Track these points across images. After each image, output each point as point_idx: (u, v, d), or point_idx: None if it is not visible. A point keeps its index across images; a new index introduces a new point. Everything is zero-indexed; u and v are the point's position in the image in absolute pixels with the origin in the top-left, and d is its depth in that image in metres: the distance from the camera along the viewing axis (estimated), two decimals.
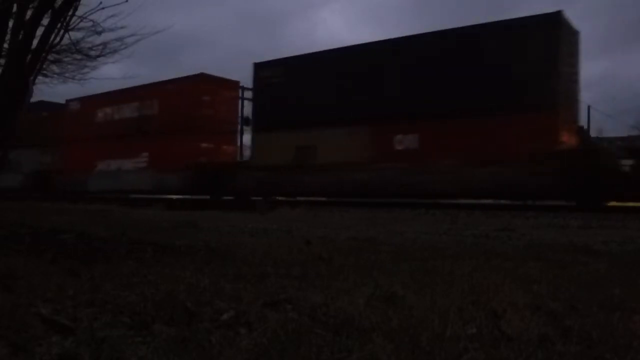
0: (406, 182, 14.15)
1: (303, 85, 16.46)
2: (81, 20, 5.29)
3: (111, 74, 18.58)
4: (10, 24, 4.54)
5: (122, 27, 6.89)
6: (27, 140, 24.06)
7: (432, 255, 3.84)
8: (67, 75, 9.05)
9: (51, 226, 5.56)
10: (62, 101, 25.37)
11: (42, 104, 23.49)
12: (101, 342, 1.60)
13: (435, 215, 10.60)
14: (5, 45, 4.74)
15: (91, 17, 5.28)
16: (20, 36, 4.38)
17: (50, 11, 4.48)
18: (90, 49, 7.68)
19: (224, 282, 2.56)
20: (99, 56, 7.83)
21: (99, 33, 6.40)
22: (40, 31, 4.55)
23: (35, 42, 4.53)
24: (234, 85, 20.25)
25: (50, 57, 6.92)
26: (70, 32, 5.30)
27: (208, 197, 17.67)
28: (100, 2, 5.12)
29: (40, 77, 7.06)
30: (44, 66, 6.73)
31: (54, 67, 8.75)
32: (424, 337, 1.69)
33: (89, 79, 9.01)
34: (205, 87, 19.58)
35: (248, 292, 2.32)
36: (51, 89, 10.21)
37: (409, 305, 2.12)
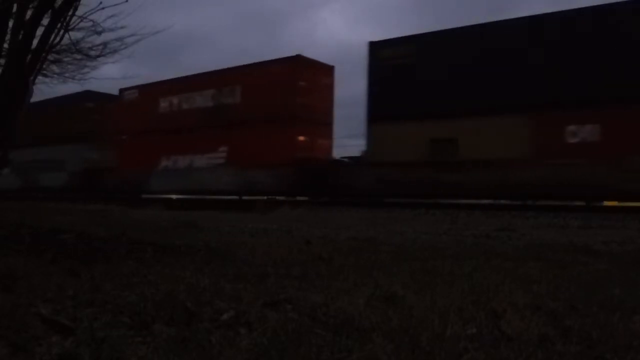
0: (588, 182, 11.69)
1: (439, 66, 13.70)
2: (81, 20, 5.29)
3: (111, 74, 18.62)
4: (11, 23, 4.54)
5: (122, 27, 6.89)
6: (69, 134, 22.35)
7: (432, 255, 3.84)
8: (67, 75, 9.04)
9: (51, 226, 5.56)
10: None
11: (88, 94, 21.67)
12: (101, 342, 1.59)
13: (435, 215, 10.61)
14: (5, 45, 4.74)
15: (91, 17, 5.28)
16: (20, 36, 4.38)
17: (50, 11, 4.48)
18: (90, 49, 7.68)
19: (224, 282, 2.56)
20: (99, 56, 7.82)
21: (99, 33, 6.39)
22: (40, 31, 4.55)
23: (35, 42, 4.53)
24: (329, 70, 17.69)
25: (50, 57, 6.92)
26: (70, 32, 5.30)
27: (307, 198, 15.99)
28: (100, 2, 5.12)
29: (40, 77, 7.06)
30: (44, 66, 6.72)
31: (54, 67, 8.74)
32: (424, 337, 1.69)
33: (89, 79, 9.01)
34: (302, 71, 16.77)
35: (248, 292, 2.32)
36: (51, 89, 10.19)
37: (409, 305, 2.12)
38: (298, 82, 16.63)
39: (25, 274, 2.59)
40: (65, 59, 8.42)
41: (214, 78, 18.47)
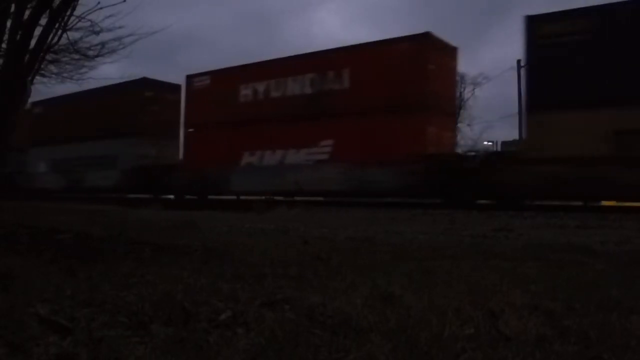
0: None
1: (631, 43, 11.15)
2: (79, 20, 5.30)
3: (109, 74, 18.49)
4: (8, 23, 4.53)
5: (120, 27, 6.90)
6: (123, 127, 19.84)
7: (430, 255, 3.84)
8: (65, 75, 9.07)
9: (50, 226, 5.55)
10: None
11: (145, 82, 19.78)
12: (99, 342, 1.59)
13: (433, 215, 10.61)
14: (3, 45, 4.73)
15: (89, 17, 5.30)
16: (18, 36, 4.37)
17: (48, 11, 4.48)
18: (88, 48, 7.69)
19: (222, 282, 2.56)
20: (97, 56, 7.84)
21: (97, 33, 6.41)
22: (38, 31, 4.54)
23: (33, 42, 4.52)
24: (454, 52, 15.29)
25: (48, 57, 6.92)
26: (68, 32, 5.31)
27: (443, 200, 13.53)
28: (99, 2, 5.12)
29: (38, 77, 7.05)
30: (42, 66, 6.72)
31: (52, 67, 8.77)
32: (421, 337, 1.69)
33: (87, 79, 9.02)
34: (431, 52, 14.26)
35: (245, 292, 2.32)
36: (49, 89, 10.20)
37: (407, 305, 2.12)
38: (428, 64, 14.09)
39: (23, 273, 2.58)
40: (64, 59, 8.44)
41: (313, 61, 15.86)
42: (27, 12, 4.44)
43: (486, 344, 1.67)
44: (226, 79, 17.91)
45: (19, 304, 1.96)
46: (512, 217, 10.03)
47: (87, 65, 8.70)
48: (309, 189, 15.24)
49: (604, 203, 12.92)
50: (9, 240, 3.99)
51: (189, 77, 18.99)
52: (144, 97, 19.92)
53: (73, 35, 6.32)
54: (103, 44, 7.49)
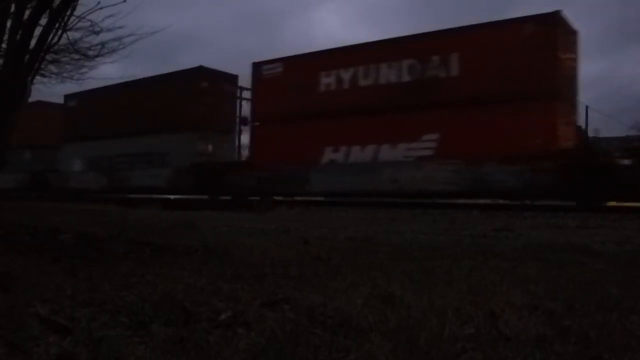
0: None
1: None
2: (79, 20, 5.31)
3: (109, 74, 18.35)
4: (8, 23, 4.54)
5: (120, 27, 6.90)
6: (175, 122, 17.99)
7: (430, 255, 3.84)
8: (65, 75, 9.07)
9: (50, 226, 5.55)
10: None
11: (201, 72, 18.03)
12: (99, 342, 1.59)
13: (433, 215, 10.61)
14: (3, 45, 4.74)
15: (89, 17, 5.30)
16: (19, 36, 4.38)
17: (48, 11, 4.48)
18: (89, 48, 7.69)
19: (222, 282, 2.56)
20: (97, 56, 7.84)
21: (97, 33, 6.41)
22: (38, 31, 4.54)
23: (33, 42, 4.52)
24: (576, 36, 13.52)
25: (48, 57, 6.92)
26: (68, 32, 5.32)
27: (578, 204, 11.83)
28: (99, 2, 5.12)
29: (38, 77, 7.06)
30: (42, 66, 6.72)
31: (52, 67, 8.76)
32: (421, 337, 1.69)
33: (87, 79, 9.02)
34: (560, 34, 12.58)
35: (246, 292, 2.32)
36: (49, 89, 10.20)
37: (407, 305, 2.12)
38: (558, 47, 12.39)
39: (23, 273, 2.59)
40: (64, 59, 8.44)
41: (413, 45, 13.98)
42: (27, 12, 4.44)
43: (486, 344, 1.67)
44: (303, 66, 15.93)
45: (19, 304, 1.97)
46: (512, 217, 10.03)
47: (87, 65, 8.71)
48: (409, 189, 13.72)
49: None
50: (10, 240, 3.99)
51: (256, 65, 16.87)
52: (199, 87, 17.97)
53: (73, 35, 6.33)
54: (103, 44, 7.49)
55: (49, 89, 10.12)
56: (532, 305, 2.19)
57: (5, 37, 4.56)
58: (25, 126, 22.45)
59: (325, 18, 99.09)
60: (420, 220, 9.08)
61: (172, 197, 18.62)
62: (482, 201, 13.59)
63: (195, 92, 17.89)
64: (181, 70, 18.05)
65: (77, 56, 8.00)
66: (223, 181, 16.98)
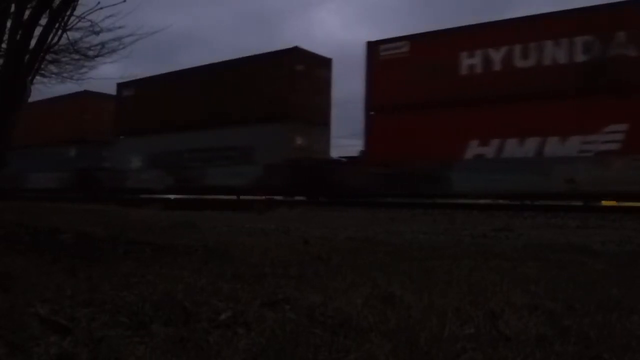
0: None
1: None
2: (79, 20, 5.31)
3: (109, 74, 18.29)
4: (8, 23, 4.54)
5: (120, 27, 6.90)
6: (264, 111, 15.65)
7: (430, 255, 3.84)
8: (65, 75, 9.07)
9: (50, 226, 5.55)
10: None
11: (294, 53, 15.61)
12: (99, 342, 1.59)
13: (433, 215, 10.61)
14: (3, 45, 4.74)
15: (89, 17, 5.30)
16: (19, 36, 4.38)
17: (48, 11, 4.48)
18: (88, 48, 7.69)
19: (222, 282, 2.56)
20: (97, 56, 7.84)
21: (97, 33, 6.41)
22: (38, 31, 4.55)
23: (33, 42, 4.53)
24: None
25: (48, 57, 6.92)
26: (68, 32, 5.32)
27: None
28: (99, 2, 5.13)
29: (38, 77, 7.06)
30: (42, 66, 6.73)
31: (52, 67, 8.76)
32: (422, 337, 1.69)
33: (87, 79, 9.02)
34: None
35: (246, 292, 2.32)
36: (49, 89, 10.21)
37: (407, 305, 2.12)
38: None
39: (23, 273, 2.59)
40: (64, 59, 8.44)
41: (588, 18, 11.67)
42: (27, 12, 4.44)
43: (486, 344, 1.67)
44: (437, 45, 13.51)
45: (19, 304, 1.97)
46: (512, 217, 10.04)
47: (87, 65, 8.71)
48: (590, 190, 11.69)
49: (604, 203, 12.84)
50: (10, 240, 3.99)
51: (372, 44, 14.37)
52: (294, 71, 15.49)
53: (73, 35, 6.33)
54: (103, 44, 7.50)
55: (49, 89, 10.12)
56: (532, 305, 2.19)
57: (5, 37, 4.57)
58: (70, 119, 21.54)
59: (325, 18, 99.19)
60: (420, 220, 9.08)
61: (172, 197, 18.19)
62: (482, 201, 13.58)
63: (290, 77, 15.54)
64: (271, 52, 15.72)
65: (77, 56, 8.01)
66: (329, 180, 14.86)
